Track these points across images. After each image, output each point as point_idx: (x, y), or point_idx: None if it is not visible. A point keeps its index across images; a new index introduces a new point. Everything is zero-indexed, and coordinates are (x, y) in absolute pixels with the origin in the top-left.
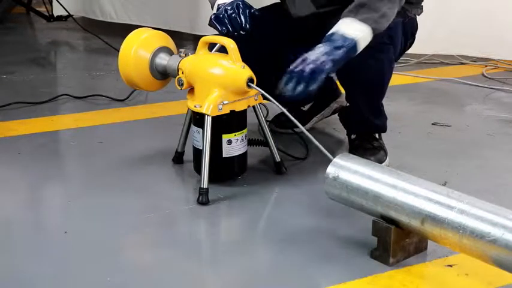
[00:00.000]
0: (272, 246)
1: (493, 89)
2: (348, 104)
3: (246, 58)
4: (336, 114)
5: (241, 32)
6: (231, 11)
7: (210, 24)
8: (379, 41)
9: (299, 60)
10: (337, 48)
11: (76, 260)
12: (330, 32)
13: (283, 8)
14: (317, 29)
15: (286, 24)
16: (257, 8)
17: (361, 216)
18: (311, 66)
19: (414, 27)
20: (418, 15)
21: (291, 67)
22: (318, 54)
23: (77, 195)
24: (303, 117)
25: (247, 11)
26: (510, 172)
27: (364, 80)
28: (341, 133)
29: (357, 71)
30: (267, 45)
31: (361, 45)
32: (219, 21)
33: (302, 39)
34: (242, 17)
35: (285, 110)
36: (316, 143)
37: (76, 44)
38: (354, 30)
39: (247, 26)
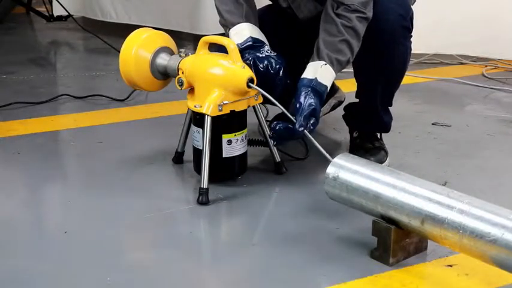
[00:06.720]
0: (272, 246)
1: (493, 89)
2: (349, 101)
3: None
4: (337, 112)
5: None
6: (275, 75)
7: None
8: (403, 24)
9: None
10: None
11: (76, 260)
12: (314, 78)
13: (287, 16)
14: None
15: (294, 31)
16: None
17: (361, 216)
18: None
19: None
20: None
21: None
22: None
23: (77, 195)
24: None
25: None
26: (510, 172)
27: (386, 66)
28: (340, 133)
29: (383, 56)
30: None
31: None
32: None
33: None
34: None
35: (285, 111)
36: (316, 143)
37: (76, 44)
38: (328, 78)
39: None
